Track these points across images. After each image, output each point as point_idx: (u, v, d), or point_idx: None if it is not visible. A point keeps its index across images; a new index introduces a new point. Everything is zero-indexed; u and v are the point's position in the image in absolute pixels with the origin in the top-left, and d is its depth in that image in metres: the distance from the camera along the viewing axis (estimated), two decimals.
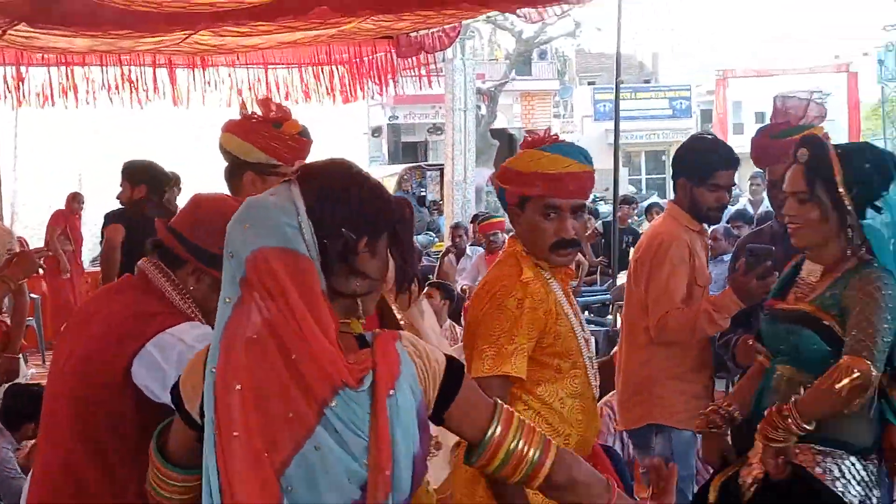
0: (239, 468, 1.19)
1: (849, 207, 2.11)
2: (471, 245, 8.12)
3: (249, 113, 2.71)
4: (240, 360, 1.20)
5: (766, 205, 6.61)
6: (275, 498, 1.19)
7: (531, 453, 1.31)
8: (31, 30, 4.74)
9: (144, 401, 1.60)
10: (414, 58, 5.16)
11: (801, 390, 2.10)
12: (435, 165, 13.09)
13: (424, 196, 10.67)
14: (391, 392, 1.22)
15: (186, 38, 4.88)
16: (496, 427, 1.29)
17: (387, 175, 12.25)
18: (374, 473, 1.21)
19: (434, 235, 10.72)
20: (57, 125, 13.23)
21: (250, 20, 4.60)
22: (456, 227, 8.38)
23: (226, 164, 2.68)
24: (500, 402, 1.35)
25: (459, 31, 5.36)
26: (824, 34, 25.71)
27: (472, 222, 8.70)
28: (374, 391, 1.21)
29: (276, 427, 1.20)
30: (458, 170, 9.45)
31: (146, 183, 4.76)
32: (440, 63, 7.56)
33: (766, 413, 2.12)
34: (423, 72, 5.25)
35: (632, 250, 3.94)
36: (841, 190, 2.11)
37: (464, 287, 6.67)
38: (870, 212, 2.11)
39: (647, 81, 22.31)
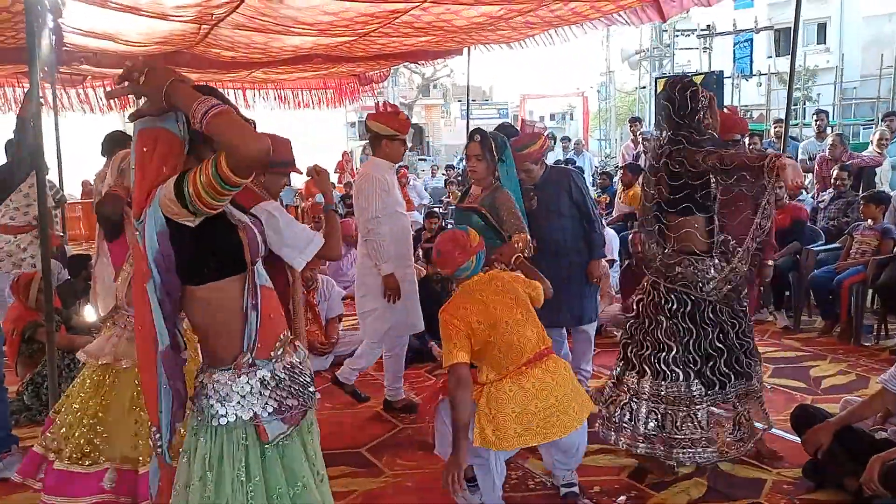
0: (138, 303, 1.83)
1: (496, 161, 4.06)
2: None
3: (381, 107, 4.40)
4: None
5: None
6: None
7: (210, 171, 1.68)
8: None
9: None
10: (368, 85, 9.07)
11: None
12: None
13: None
14: (147, 210, 1.78)
15: (248, 74, 8.62)
16: None
17: (357, 145, 22.75)
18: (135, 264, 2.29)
19: None
20: None
21: (283, 65, 8.18)
22: None
23: (369, 135, 4.34)
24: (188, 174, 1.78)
25: (390, 72, 9.26)
26: (570, 75, 57.55)
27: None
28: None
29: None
30: None
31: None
32: (382, 87, 11.69)
33: None
34: (372, 93, 9.15)
35: None
36: (491, 153, 4.01)
37: None
38: (500, 164, 4.07)
39: (486, 100, 38.96)
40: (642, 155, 10.29)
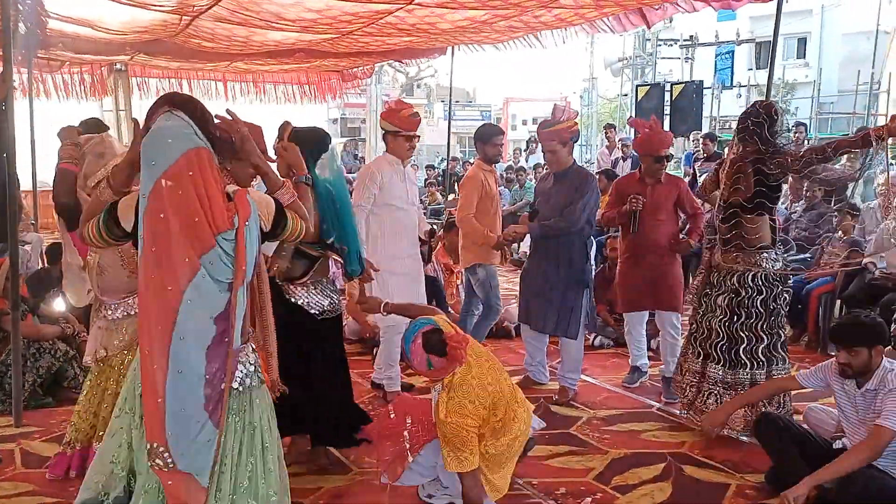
0: (150, 275, 1.91)
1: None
2: None
3: (392, 105, 4.53)
4: (163, 197, 1.87)
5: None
6: (178, 296, 1.91)
7: (299, 225, 2.36)
8: (146, 58, 8.37)
9: None
10: (351, 82, 9.03)
11: None
12: (362, 138, 22.67)
13: (357, 153, 17.20)
14: (247, 223, 2.00)
15: (229, 65, 8.54)
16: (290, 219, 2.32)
17: (339, 142, 21.47)
18: (236, 268, 2.00)
19: None
20: None
21: (267, 58, 8.14)
22: None
23: (382, 132, 4.46)
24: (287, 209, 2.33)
25: (374, 70, 9.23)
26: (554, 79, 63.01)
27: None
28: (238, 224, 1.97)
29: (172, 274, 1.91)
30: (373, 141, 16.57)
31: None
32: (364, 86, 11.67)
33: None
34: (356, 91, 9.07)
35: None
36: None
37: None
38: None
39: (469, 101, 39.03)
40: (619, 161, 10.37)
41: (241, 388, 2.18)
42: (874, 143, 3.38)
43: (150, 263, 1.91)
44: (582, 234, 4.50)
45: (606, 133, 11.48)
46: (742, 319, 3.95)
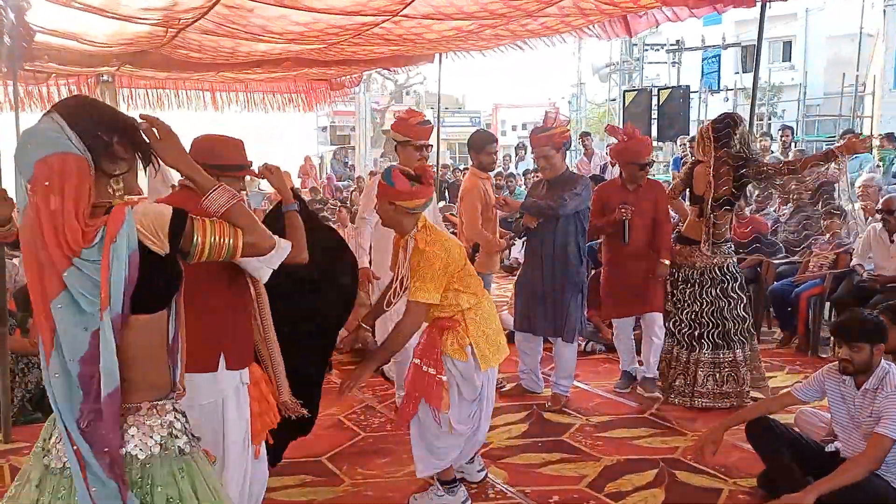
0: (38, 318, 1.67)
1: None
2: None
3: (402, 114, 4.43)
4: (25, 240, 1.66)
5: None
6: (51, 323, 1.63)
7: (226, 241, 1.78)
8: (133, 69, 8.34)
9: None
10: (340, 90, 9.03)
11: None
12: (352, 146, 23.18)
13: (347, 161, 17.76)
14: (113, 242, 1.61)
15: (217, 74, 8.53)
16: (196, 237, 1.73)
17: (328, 150, 22.77)
18: (101, 295, 1.61)
19: (353, 182, 15.50)
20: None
21: (255, 67, 8.14)
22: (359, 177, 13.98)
23: (394, 143, 4.38)
24: (196, 218, 1.76)
25: (362, 78, 9.23)
26: (543, 85, 68.51)
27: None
28: (105, 240, 1.61)
29: (44, 290, 1.64)
30: (362, 149, 18.05)
31: None
32: (353, 94, 11.71)
33: None
34: (345, 99, 9.11)
35: None
36: None
37: None
38: None
39: (459, 108, 39.65)
40: (608, 167, 10.41)
41: (140, 457, 1.70)
42: (839, 157, 4.24)
43: (30, 283, 1.70)
44: (576, 235, 4.51)
45: (583, 141, 11.33)
46: (729, 306, 4.57)
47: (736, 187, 4.44)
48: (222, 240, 1.78)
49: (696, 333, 4.61)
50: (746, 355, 4.63)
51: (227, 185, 1.91)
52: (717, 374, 4.59)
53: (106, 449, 1.64)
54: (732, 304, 4.57)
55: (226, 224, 1.81)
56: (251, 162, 2.68)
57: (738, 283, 4.61)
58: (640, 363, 5.06)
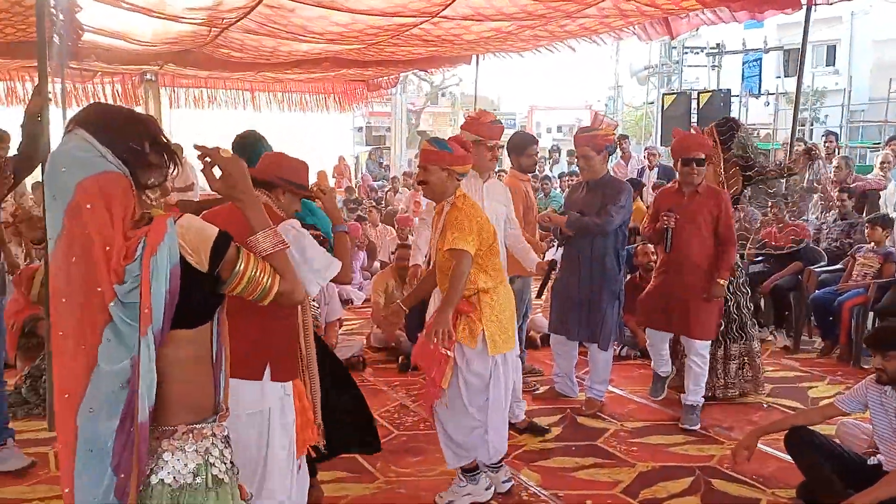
0: (67, 363, 1.53)
1: None
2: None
3: (473, 114, 4.33)
4: (59, 277, 1.53)
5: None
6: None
7: (265, 279, 1.69)
8: (176, 67, 8.52)
9: None
10: (376, 91, 9.10)
11: None
12: (387, 147, 24.11)
13: (382, 161, 17.76)
14: (154, 254, 1.51)
15: (258, 74, 8.66)
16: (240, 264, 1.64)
17: (364, 150, 22.69)
18: (141, 311, 1.51)
19: (388, 182, 15.54)
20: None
21: (294, 67, 8.24)
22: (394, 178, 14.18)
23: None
24: (243, 248, 1.67)
25: (399, 79, 9.29)
26: (579, 88, 62.16)
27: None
28: (144, 253, 1.51)
29: (85, 328, 1.50)
30: (397, 150, 18.69)
31: None
32: (389, 95, 11.81)
33: None
34: (381, 99, 9.14)
35: None
36: None
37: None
38: None
39: (494, 110, 42.00)
40: (646, 170, 10.29)
41: (172, 485, 1.60)
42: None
43: (60, 320, 1.56)
44: (616, 242, 4.44)
45: (620, 144, 10.74)
46: (744, 300, 4.85)
47: (743, 187, 4.87)
48: (262, 277, 1.70)
49: (724, 329, 4.80)
50: (751, 348, 4.92)
51: (288, 203, 2.16)
52: (735, 366, 4.85)
53: (122, 475, 1.54)
54: (745, 299, 4.87)
55: (269, 265, 1.73)
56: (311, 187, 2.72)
57: (744, 278, 4.97)
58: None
